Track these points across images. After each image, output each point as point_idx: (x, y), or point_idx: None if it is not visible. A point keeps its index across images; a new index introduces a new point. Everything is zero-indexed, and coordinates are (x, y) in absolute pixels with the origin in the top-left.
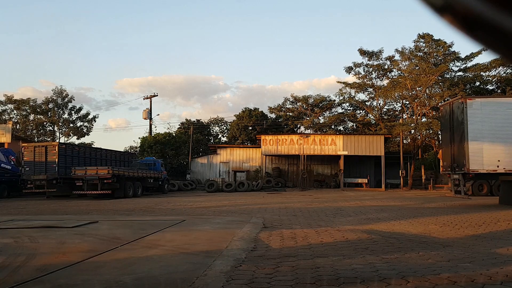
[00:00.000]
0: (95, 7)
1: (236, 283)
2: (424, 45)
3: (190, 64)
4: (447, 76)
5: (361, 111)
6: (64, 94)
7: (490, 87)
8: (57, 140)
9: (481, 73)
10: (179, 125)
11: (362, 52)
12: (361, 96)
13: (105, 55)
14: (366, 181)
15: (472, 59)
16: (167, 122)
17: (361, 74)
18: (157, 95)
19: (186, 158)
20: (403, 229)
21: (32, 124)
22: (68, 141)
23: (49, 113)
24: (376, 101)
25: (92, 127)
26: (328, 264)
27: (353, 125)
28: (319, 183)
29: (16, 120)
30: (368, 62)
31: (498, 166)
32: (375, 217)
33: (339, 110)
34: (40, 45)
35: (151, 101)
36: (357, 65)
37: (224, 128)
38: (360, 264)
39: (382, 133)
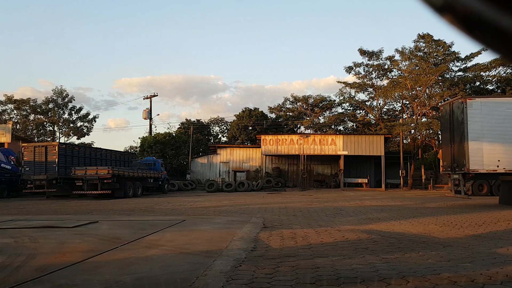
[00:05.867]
0: (94, 7)
1: (236, 283)
2: (424, 45)
3: (189, 64)
4: (447, 76)
5: (361, 111)
6: (64, 94)
7: (490, 87)
8: (57, 140)
9: (481, 73)
10: (179, 125)
11: (362, 52)
12: (361, 96)
13: (104, 55)
14: (366, 181)
15: (472, 59)
16: (167, 122)
17: (361, 74)
18: (157, 95)
19: (186, 158)
20: (403, 229)
21: (32, 124)
22: (68, 141)
23: (49, 113)
24: (376, 101)
25: (92, 127)
26: (328, 264)
27: (353, 125)
28: (319, 183)
29: (16, 120)
30: (368, 62)
31: (498, 166)
32: (375, 217)
33: (339, 110)
34: (39, 45)
35: (151, 101)
36: (357, 65)
37: (224, 128)
38: (360, 264)
39: (382, 133)
